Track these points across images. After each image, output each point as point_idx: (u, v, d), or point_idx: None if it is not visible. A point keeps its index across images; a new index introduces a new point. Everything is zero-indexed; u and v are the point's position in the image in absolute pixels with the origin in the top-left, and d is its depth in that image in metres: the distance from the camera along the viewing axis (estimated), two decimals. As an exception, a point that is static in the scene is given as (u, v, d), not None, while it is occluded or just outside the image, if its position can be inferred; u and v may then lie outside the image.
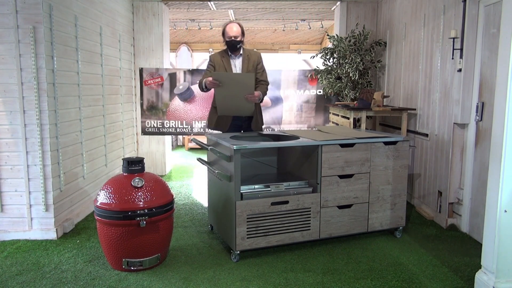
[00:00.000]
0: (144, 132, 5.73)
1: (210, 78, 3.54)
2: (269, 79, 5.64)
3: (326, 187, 3.23)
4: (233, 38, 3.73)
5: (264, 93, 3.86)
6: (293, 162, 3.59)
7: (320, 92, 5.75)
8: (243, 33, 3.79)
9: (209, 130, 4.15)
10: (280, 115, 5.78)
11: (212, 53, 3.97)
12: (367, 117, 5.04)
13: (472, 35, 3.47)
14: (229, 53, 3.86)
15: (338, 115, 5.08)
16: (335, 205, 3.29)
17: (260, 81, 3.87)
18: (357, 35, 5.33)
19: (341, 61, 5.40)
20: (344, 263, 3.05)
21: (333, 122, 5.38)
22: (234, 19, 7.71)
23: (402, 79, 4.76)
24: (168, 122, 5.71)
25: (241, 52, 3.87)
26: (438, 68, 3.90)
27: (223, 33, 3.81)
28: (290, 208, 3.13)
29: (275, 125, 5.79)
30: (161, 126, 5.72)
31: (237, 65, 3.86)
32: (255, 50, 3.98)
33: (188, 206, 4.54)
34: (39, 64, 3.34)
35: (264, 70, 3.93)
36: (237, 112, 3.77)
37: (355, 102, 5.04)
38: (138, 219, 2.79)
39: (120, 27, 5.21)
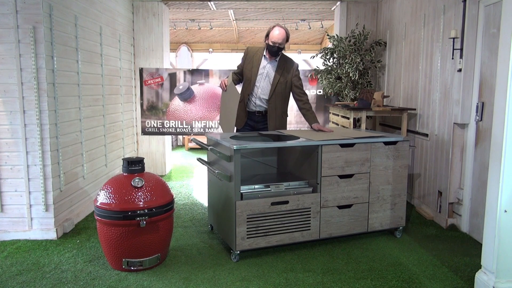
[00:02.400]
0: (144, 132, 5.73)
1: (226, 80, 3.79)
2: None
3: (326, 187, 3.23)
4: (277, 45, 3.61)
5: (315, 115, 3.79)
6: (293, 162, 3.59)
7: (320, 92, 5.75)
8: (287, 39, 3.65)
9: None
10: (280, 115, 5.77)
11: (251, 46, 3.89)
12: (367, 117, 5.03)
13: (472, 35, 3.47)
14: (265, 54, 3.74)
15: (338, 115, 5.08)
16: (335, 205, 3.29)
17: (301, 97, 3.75)
18: (357, 35, 5.33)
19: (341, 61, 5.40)
20: (344, 263, 3.05)
21: (333, 122, 5.38)
22: (234, 19, 7.72)
23: (402, 79, 4.76)
24: (168, 122, 5.71)
25: (277, 58, 3.74)
26: (438, 68, 3.90)
27: (267, 36, 3.65)
28: (290, 208, 3.13)
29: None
30: (161, 126, 5.72)
31: (267, 68, 3.73)
32: (291, 58, 3.84)
33: (188, 206, 4.54)
34: (39, 64, 3.34)
35: (301, 82, 3.81)
36: (228, 124, 3.88)
37: (355, 102, 5.04)
38: (138, 219, 2.79)
39: (120, 27, 5.21)
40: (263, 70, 3.75)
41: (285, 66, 3.75)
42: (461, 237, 3.57)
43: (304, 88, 3.87)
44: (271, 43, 3.63)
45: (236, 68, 3.94)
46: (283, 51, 3.76)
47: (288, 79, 3.75)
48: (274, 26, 3.65)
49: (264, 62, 3.75)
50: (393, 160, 3.43)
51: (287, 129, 3.91)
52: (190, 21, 7.97)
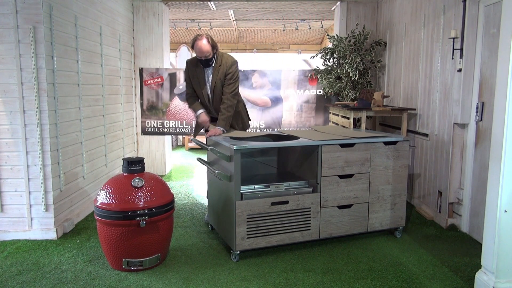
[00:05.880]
0: (144, 132, 5.73)
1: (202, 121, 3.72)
2: (269, 79, 5.69)
3: (326, 187, 3.23)
4: (203, 58, 3.53)
5: (226, 119, 3.58)
6: (293, 162, 3.59)
7: (320, 92, 5.75)
8: (213, 47, 3.53)
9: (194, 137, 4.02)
10: (280, 115, 5.78)
11: (189, 59, 3.77)
12: (367, 117, 5.03)
13: (472, 35, 3.47)
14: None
15: (338, 115, 5.08)
16: (335, 205, 3.29)
17: (223, 100, 3.60)
18: (357, 35, 5.33)
19: (341, 61, 5.40)
20: (344, 263, 3.05)
21: (333, 122, 5.38)
22: (234, 19, 7.72)
23: (402, 79, 4.76)
24: (168, 122, 5.71)
25: (214, 61, 3.61)
26: (438, 68, 3.90)
27: (192, 47, 3.54)
28: (290, 208, 3.13)
29: (275, 126, 5.79)
30: (161, 126, 5.72)
31: (208, 75, 3.67)
32: (230, 55, 3.71)
33: (188, 206, 4.54)
34: (39, 64, 3.34)
35: (232, 81, 3.61)
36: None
37: (355, 102, 5.04)
38: (138, 219, 2.79)
39: (120, 27, 5.21)
40: (207, 79, 3.68)
41: (220, 68, 3.61)
42: (461, 237, 3.57)
43: (234, 89, 3.63)
44: (198, 57, 3.56)
45: (188, 91, 3.80)
46: (218, 52, 3.64)
47: (223, 79, 3.63)
48: (195, 40, 3.51)
49: (206, 71, 3.66)
50: (393, 160, 3.43)
51: (287, 129, 3.88)
52: (190, 21, 7.97)
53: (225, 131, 3.59)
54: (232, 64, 3.63)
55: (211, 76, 3.66)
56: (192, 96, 3.80)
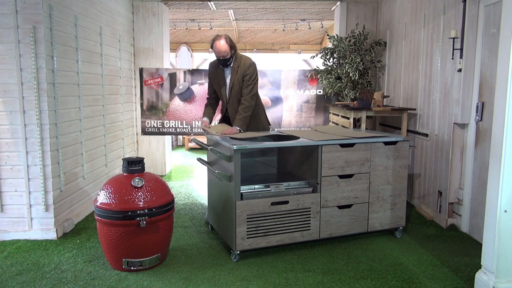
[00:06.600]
0: (144, 132, 5.73)
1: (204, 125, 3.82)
2: (269, 79, 5.68)
3: (326, 187, 3.23)
4: (220, 58, 3.60)
5: (243, 119, 3.61)
6: (293, 162, 3.59)
7: (320, 92, 5.75)
8: (232, 47, 3.59)
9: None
10: (280, 115, 5.78)
11: (211, 61, 3.85)
12: (367, 117, 5.03)
13: (472, 35, 3.47)
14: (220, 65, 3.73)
15: (338, 115, 5.08)
16: (335, 205, 3.29)
17: (241, 101, 3.65)
18: (357, 35, 5.33)
19: (341, 61, 5.40)
20: (344, 263, 3.05)
21: (333, 122, 5.38)
22: (234, 19, 7.72)
23: (402, 79, 4.76)
24: (168, 122, 5.71)
25: (233, 62, 3.68)
26: (438, 68, 3.90)
27: (211, 47, 3.61)
28: (290, 208, 3.13)
29: (275, 125, 5.79)
30: (161, 126, 5.72)
31: (227, 76, 3.75)
32: (248, 57, 3.77)
33: (188, 206, 4.54)
34: (39, 64, 3.34)
35: (251, 83, 3.66)
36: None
37: (355, 102, 5.04)
38: (138, 219, 2.79)
39: (120, 27, 5.21)
40: (226, 79, 3.75)
41: (238, 69, 3.67)
42: (461, 237, 3.57)
43: (251, 92, 3.66)
44: (216, 56, 3.64)
45: (208, 93, 3.96)
46: (237, 54, 3.69)
47: (241, 81, 3.68)
48: (214, 40, 3.58)
49: (225, 71, 3.74)
50: (393, 160, 3.43)
51: (287, 129, 3.89)
52: (190, 21, 7.96)
53: (242, 131, 3.62)
54: (250, 65, 3.69)
55: (229, 76, 3.72)
56: (210, 100, 3.93)
